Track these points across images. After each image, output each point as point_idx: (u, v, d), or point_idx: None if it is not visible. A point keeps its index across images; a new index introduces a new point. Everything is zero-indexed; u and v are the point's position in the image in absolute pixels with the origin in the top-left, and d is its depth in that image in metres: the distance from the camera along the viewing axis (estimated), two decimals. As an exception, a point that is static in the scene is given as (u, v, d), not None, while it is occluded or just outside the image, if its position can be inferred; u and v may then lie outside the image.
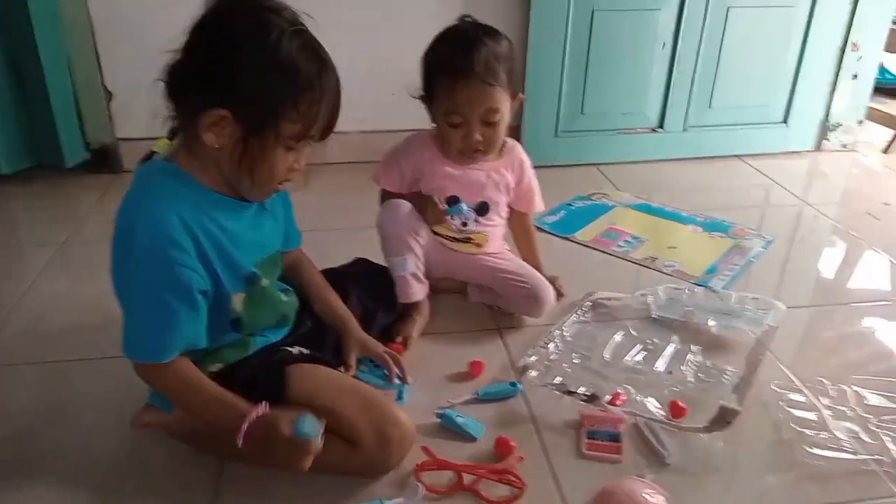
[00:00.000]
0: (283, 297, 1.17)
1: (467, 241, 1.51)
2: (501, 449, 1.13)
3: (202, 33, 0.94)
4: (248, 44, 0.92)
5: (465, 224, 1.48)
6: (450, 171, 1.45)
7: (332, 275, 1.34)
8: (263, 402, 0.99)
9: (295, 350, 1.15)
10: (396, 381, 1.25)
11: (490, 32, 1.36)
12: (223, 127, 0.93)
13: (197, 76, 0.94)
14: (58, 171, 2.20)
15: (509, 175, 1.49)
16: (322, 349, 1.22)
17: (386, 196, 1.50)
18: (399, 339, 1.40)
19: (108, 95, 2.20)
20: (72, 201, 2.11)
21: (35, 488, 1.08)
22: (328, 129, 1.01)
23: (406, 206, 1.44)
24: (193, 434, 1.11)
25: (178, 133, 1.01)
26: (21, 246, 1.84)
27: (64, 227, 1.92)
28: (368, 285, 1.39)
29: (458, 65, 1.32)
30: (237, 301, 1.06)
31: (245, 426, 0.96)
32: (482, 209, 1.48)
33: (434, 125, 1.44)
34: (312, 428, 0.96)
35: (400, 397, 1.24)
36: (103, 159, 2.27)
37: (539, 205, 1.57)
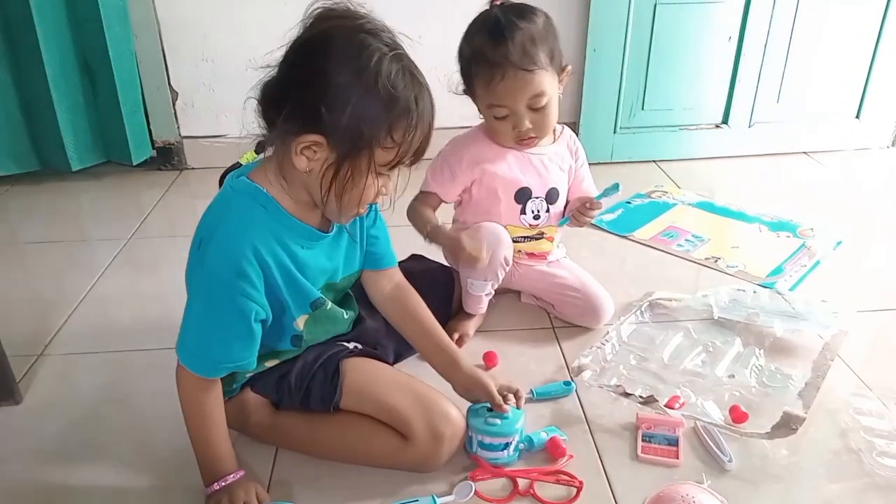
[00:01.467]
0: (345, 316, 1.16)
1: (540, 237, 1.46)
2: (554, 449, 1.12)
3: (299, 55, 0.91)
4: (346, 69, 0.88)
5: (536, 217, 1.44)
6: (513, 158, 1.40)
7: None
8: (242, 472, 1.03)
9: (350, 345, 1.17)
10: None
11: (522, 13, 1.28)
12: (316, 152, 0.91)
13: (292, 99, 0.90)
14: (125, 167, 2.28)
15: (569, 157, 1.46)
16: (379, 346, 1.23)
17: (425, 198, 1.42)
18: (455, 336, 1.39)
19: (174, 95, 2.26)
20: (137, 197, 2.18)
21: (101, 472, 1.12)
22: (420, 154, 0.97)
23: (505, 235, 1.38)
24: (246, 424, 1.13)
25: (266, 148, 1.00)
26: (90, 240, 1.92)
27: (130, 223, 1.98)
28: (423, 282, 1.38)
29: (492, 57, 1.25)
30: (300, 321, 1.07)
31: (210, 491, 1.02)
32: (552, 196, 1.44)
33: (482, 117, 1.39)
34: None
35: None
36: (168, 156, 2.34)
37: (592, 187, 1.50)
